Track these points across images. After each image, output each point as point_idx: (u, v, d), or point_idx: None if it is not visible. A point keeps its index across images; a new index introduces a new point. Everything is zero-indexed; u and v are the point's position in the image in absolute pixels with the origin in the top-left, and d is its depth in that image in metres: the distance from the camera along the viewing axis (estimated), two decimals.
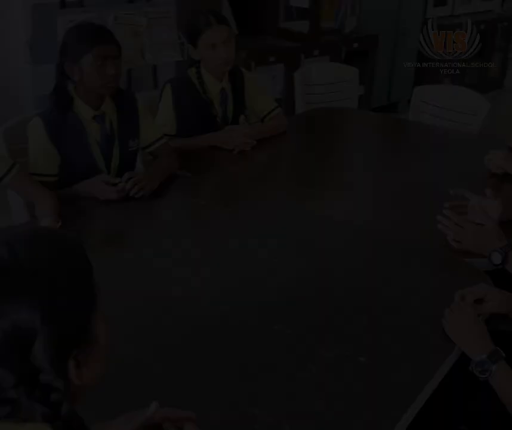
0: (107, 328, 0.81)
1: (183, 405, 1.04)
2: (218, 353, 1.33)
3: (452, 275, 1.66)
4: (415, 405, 1.20)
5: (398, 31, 5.51)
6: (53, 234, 0.83)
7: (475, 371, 1.32)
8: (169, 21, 3.89)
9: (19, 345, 0.71)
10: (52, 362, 0.72)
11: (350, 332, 1.40)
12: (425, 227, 1.90)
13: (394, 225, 1.94)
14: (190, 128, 2.54)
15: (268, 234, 1.85)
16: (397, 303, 1.52)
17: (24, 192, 1.98)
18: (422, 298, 1.54)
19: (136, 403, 1.02)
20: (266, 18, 4.66)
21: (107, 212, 1.97)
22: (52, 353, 0.72)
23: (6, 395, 0.72)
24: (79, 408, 0.78)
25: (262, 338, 1.39)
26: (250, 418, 1.15)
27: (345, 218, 1.98)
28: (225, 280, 1.63)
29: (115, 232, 1.88)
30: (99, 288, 0.80)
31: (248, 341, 1.38)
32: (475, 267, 1.68)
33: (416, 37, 5.72)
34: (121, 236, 1.86)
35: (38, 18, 3.24)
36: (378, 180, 2.32)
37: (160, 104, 2.56)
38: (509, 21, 6.53)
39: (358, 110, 3.69)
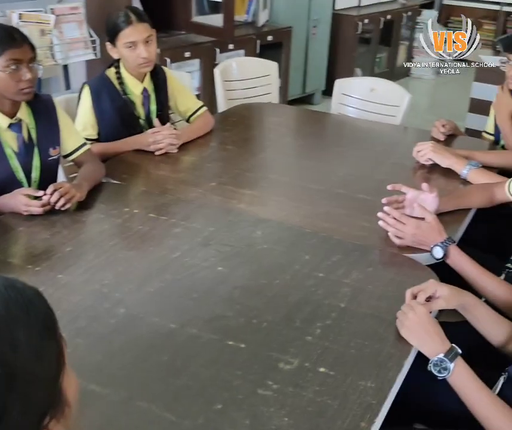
0: (76, 383, 0.71)
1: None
2: (170, 376, 1.25)
3: (399, 273, 1.65)
4: (381, 414, 1.17)
5: (309, 23, 5.54)
6: (6, 286, 0.71)
7: (434, 371, 1.31)
8: (78, 18, 3.71)
9: None
10: None
11: (305, 342, 1.35)
12: (365, 223, 1.89)
13: (334, 223, 1.91)
14: (112, 131, 2.41)
15: (207, 240, 1.77)
16: (349, 306, 1.49)
17: None
18: (372, 299, 1.52)
19: None
20: (177, 13, 4.55)
21: (31, 229, 1.82)
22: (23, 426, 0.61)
23: None
24: None
25: (217, 355, 1.32)
26: None
27: (281, 219, 1.93)
28: (169, 294, 1.54)
29: (42, 250, 1.72)
30: (62, 337, 0.70)
31: (202, 359, 1.30)
32: (421, 263, 1.68)
33: (327, 28, 5.81)
34: (49, 254, 1.72)
35: None
36: (312, 176, 2.28)
37: (78, 107, 2.42)
38: (412, 10, 6.74)
39: (283, 105, 3.68)
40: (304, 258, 1.69)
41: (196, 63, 4.36)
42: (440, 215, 1.82)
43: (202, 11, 4.80)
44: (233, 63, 3.46)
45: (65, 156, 2.16)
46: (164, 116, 2.56)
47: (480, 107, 3.93)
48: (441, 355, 1.31)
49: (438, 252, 1.68)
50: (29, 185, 2.00)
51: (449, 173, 2.27)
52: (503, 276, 1.77)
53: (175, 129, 2.51)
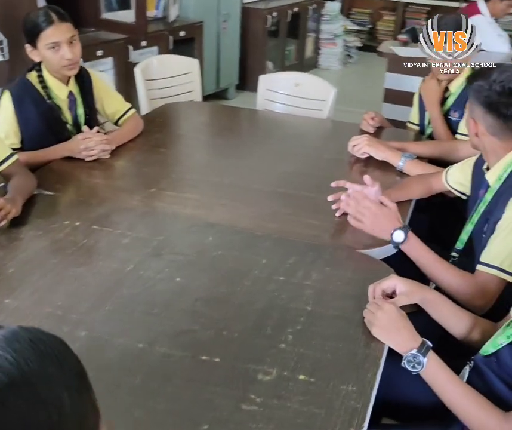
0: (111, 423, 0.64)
1: None
2: (149, 400, 1.19)
3: (356, 270, 1.65)
4: (367, 417, 1.17)
5: (219, 18, 5.50)
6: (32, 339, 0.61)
7: (407, 366, 1.32)
8: None
9: None
10: None
11: (279, 350, 1.33)
12: (314, 221, 1.89)
13: (283, 223, 1.89)
14: (38, 138, 2.27)
15: (158, 250, 1.71)
16: (315, 308, 1.48)
17: None
18: (336, 300, 1.52)
19: None
20: (85, 9, 4.37)
21: None
22: None
23: None
24: None
25: (193, 373, 1.27)
26: None
27: (230, 222, 1.89)
28: (129, 311, 1.46)
29: None
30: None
31: (178, 378, 1.25)
32: (376, 259, 1.69)
33: (237, 22, 5.79)
34: None
35: None
36: (252, 176, 2.25)
37: None
38: (317, 3, 6.84)
39: (207, 103, 3.63)
40: (262, 263, 1.66)
41: (108, 62, 4.21)
42: None
43: (110, 7, 4.63)
44: (154, 61, 3.37)
45: None
46: (92, 120, 2.44)
47: (394, 96, 4.07)
48: (414, 351, 1.32)
49: (400, 236, 1.69)
50: None
51: (384, 166, 2.31)
52: None
53: (105, 133, 2.40)
